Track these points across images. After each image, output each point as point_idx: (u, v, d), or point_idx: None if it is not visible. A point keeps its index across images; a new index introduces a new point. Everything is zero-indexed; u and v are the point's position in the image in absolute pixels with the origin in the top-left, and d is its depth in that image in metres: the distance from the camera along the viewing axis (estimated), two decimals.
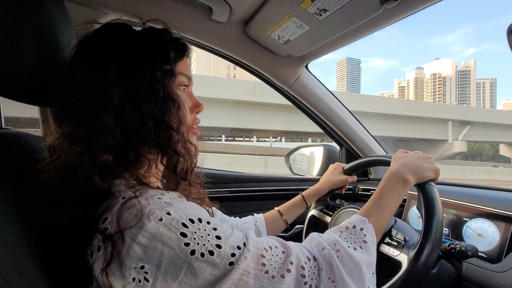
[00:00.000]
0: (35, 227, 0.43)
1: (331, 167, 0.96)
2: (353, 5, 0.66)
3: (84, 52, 0.48)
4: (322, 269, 0.45)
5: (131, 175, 0.46)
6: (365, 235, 0.52)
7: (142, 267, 0.38)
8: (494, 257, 0.77)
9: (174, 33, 0.53)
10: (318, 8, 0.70)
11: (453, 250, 0.68)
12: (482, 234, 0.82)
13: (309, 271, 0.44)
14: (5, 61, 0.47)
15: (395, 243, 0.67)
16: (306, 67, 1.10)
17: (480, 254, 0.78)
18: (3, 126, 0.56)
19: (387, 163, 0.75)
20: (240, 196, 1.22)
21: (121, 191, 0.43)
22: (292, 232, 1.24)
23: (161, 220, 0.39)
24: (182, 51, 0.52)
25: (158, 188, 0.47)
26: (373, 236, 0.54)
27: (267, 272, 0.42)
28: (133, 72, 0.45)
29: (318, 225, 0.93)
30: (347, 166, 0.93)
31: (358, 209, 0.81)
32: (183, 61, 0.52)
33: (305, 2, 0.69)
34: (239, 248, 0.42)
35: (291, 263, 0.43)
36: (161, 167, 0.52)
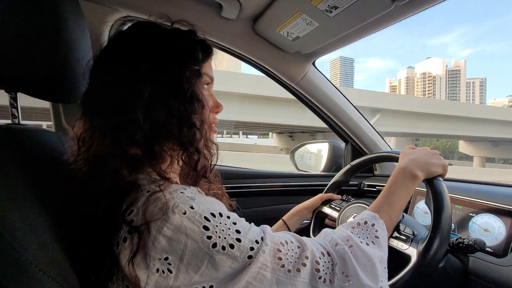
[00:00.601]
0: (61, 219, 0.44)
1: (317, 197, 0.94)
2: (364, 2, 0.66)
3: (116, 49, 0.50)
4: (336, 264, 0.46)
5: (153, 169, 0.47)
6: (376, 231, 0.53)
7: (166, 259, 0.39)
8: (500, 252, 0.78)
9: (200, 35, 0.54)
10: (329, 5, 0.71)
11: (461, 244, 0.69)
12: (489, 229, 0.83)
13: (323, 265, 0.45)
14: (23, 59, 0.49)
15: (404, 237, 0.68)
16: (314, 64, 1.10)
17: (486, 248, 0.79)
18: (20, 122, 0.57)
19: (395, 159, 0.75)
20: (243, 192, 1.23)
21: (144, 185, 0.44)
22: (298, 228, 1.25)
23: (185, 213, 0.40)
24: (208, 52, 0.53)
25: (178, 183, 0.49)
26: (384, 232, 0.55)
27: (283, 266, 0.43)
28: (163, 70, 0.47)
29: (325, 221, 0.94)
30: (325, 189, 0.95)
31: (366, 204, 0.82)
32: (208, 62, 0.54)
33: None
34: (257, 242, 0.43)
35: (306, 257, 0.45)
36: (181, 164, 0.53)
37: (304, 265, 0.44)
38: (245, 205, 1.23)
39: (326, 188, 0.96)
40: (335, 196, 0.93)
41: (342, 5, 0.69)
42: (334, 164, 1.39)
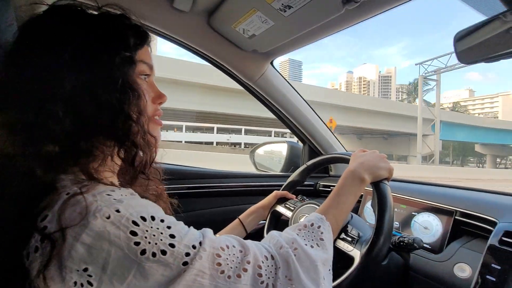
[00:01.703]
0: None
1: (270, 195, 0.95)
2: (316, 3, 0.66)
3: (31, 35, 0.44)
4: (279, 267, 0.45)
5: (81, 169, 0.42)
6: (322, 233, 0.53)
7: (86, 270, 0.35)
8: (437, 248, 0.83)
9: (134, 19, 0.50)
10: (282, 4, 0.70)
11: (401, 243, 0.72)
12: (428, 227, 0.89)
13: (266, 269, 0.44)
14: None
15: (350, 239, 0.69)
16: (272, 63, 1.09)
17: (425, 245, 0.85)
18: None
19: (346, 161, 0.78)
20: (201, 192, 1.19)
21: (65, 186, 0.39)
22: (254, 228, 1.24)
23: (109, 217, 0.36)
24: (142, 38, 0.49)
25: (111, 184, 0.44)
26: (329, 233, 0.55)
27: (223, 272, 0.40)
28: (89, 58, 0.42)
29: (280, 220, 0.94)
30: (282, 187, 0.97)
31: (318, 205, 0.83)
32: (144, 49, 0.50)
33: None
34: (194, 247, 0.40)
35: (248, 262, 0.43)
36: (118, 161, 0.49)
37: (246, 270, 0.42)
38: (202, 205, 1.20)
39: (282, 187, 0.96)
40: (289, 195, 0.94)
41: (295, 4, 0.69)
42: (292, 164, 1.41)
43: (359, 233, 0.70)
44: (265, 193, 1.07)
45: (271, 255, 0.46)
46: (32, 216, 0.37)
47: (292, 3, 0.68)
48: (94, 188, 0.39)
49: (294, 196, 0.94)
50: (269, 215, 0.93)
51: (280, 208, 0.91)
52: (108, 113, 0.42)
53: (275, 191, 0.94)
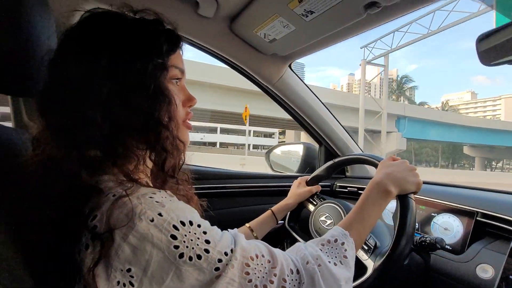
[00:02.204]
0: (19, 224, 0.41)
1: (295, 182, 1.00)
2: (338, 8, 0.68)
3: (72, 41, 0.46)
4: (303, 282, 0.46)
5: (120, 170, 0.44)
6: (345, 250, 0.53)
7: (129, 270, 0.37)
8: (458, 249, 0.83)
9: (167, 24, 0.51)
10: (305, 10, 0.72)
11: (423, 243, 0.73)
12: (448, 228, 0.89)
13: (290, 283, 0.45)
14: None
15: (366, 247, 0.70)
16: (290, 66, 1.12)
17: (446, 246, 0.85)
18: None
19: (374, 165, 0.77)
20: (220, 192, 1.22)
21: (111, 188, 0.41)
22: (273, 228, 1.26)
23: (152, 221, 0.38)
24: (175, 43, 0.50)
25: (147, 185, 0.46)
26: (353, 250, 0.54)
27: (250, 281, 0.42)
28: (123, 65, 0.44)
29: (302, 213, 0.98)
30: (309, 178, 0.98)
31: (338, 205, 0.85)
32: (176, 53, 0.51)
33: (293, 2, 0.71)
34: (226, 254, 0.41)
35: (275, 275, 0.44)
36: (150, 164, 0.51)
37: (272, 282, 0.43)
38: (220, 206, 1.23)
39: (308, 179, 0.98)
40: (319, 187, 0.98)
41: (317, 10, 0.71)
42: (308, 165, 1.42)
43: (376, 243, 0.70)
44: (282, 193, 1.09)
45: (297, 269, 0.47)
46: (82, 215, 0.39)
47: (315, 8, 0.70)
48: (137, 191, 0.41)
49: (320, 188, 0.97)
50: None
51: (304, 201, 0.96)
52: (140, 118, 0.44)
53: (309, 188, 0.96)
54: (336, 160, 0.93)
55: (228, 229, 0.85)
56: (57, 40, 0.62)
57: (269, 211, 0.92)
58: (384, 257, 0.64)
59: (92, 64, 0.43)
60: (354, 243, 0.55)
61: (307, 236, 0.92)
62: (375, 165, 0.75)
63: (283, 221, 1.07)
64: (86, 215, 0.39)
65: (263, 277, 0.43)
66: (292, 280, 0.45)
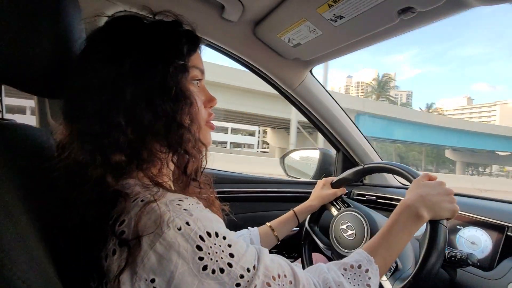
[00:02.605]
0: (48, 226, 0.40)
1: (320, 183, 0.97)
2: (371, 13, 0.66)
3: (95, 46, 0.46)
4: None
5: (144, 174, 0.44)
6: (369, 278, 0.50)
7: (153, 281, 0.36)
8: (486, 265, 0.80)
9: (186, 25, 0.51)
10: (334, 15, 0.70)
11: (453, 258, 0.70)
12: (475, 242, 0.85)
13: None
14: (12, 50, 0.45)
15: None
16: (311, 71, 1.10)
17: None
18: (4, 116, 0.53)
19: (408, 180, 0.72)
20: (236, 197, 1.21)
21: (138, 192, 0.41)
22: (287, 235, 1.24)
23: (180, 229, 0.37)
24: (195, 44, 0.50)
25: (171, 188, 0.46)
26: (377, 278, 0.52)
27: None
28: (145, 68, 0.44)
29: (323, 215, 0.96)
30: (335, 179, 0.95)
31: (361, 214, 0.82)
32: (196, 54, 0.51)
33: (323, 7, 0.69)
34: (248, 270, 0.40)
35: None
36: (172, 167, 0.50)
37: None
38: (236, 210, 1.21)
39: (334, 181, 0.95)
40: (344, 190, 0.94)
41: (348, 15, 0.69)
42: (324, 171, 1.40)
43: (397, 265, 0.67)
44: (298, 199, 1.08)
45: None
46: (108, 220, 0.38)
47: (345, 13, 0.69)
48: (164, 196, 0.40)
49: (345, 190, 0.94)
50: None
51: (327, 204, 0.93)
52: (163, 121, 0.44)
53: (334, 190, 0.93)
54: (367, 165, 0.89)
55: (249, 227, 0.85)
56: None
57: (291, 212, 0.91)
58: (403, 284, 0.60)
59: (115, 68, 0.43)
60: (379, 269, 0.52)
61: (326, 239, 0.89)
62: (410, 181, 0.70)
63: (298, 228, 1.05)
64: (114, 220, 0.38)
65: None
66: None
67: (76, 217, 0.39)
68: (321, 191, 0.94)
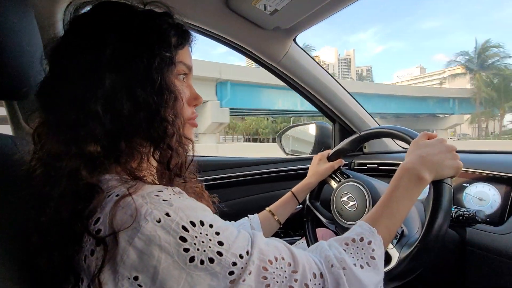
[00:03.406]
0: (15, 226, 0.39)
1: (315, 158, 0.93)
2: None
3: (76, 31, 0.44)
4: (328, 287, 0.42)
5: (123, 168, 0.42)
6: (373, 250, 0.47)
7: (136, 278, 0.34)
8: (496, 220, 0.77)
9: (177, 18, 0.49)
10: None
11: (461, 217, 0.67)
12: (483, 198, 0.81)
13: None
14: None
15: None
16: (295, 40, 1.03)
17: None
18: None
19: (407, 142, 0.67)
20: (234, 181, 1.18)
21: (113, 187, 0.39)
22: (291, 213, 1.22)
23: (159, 221, 0.35)
24: (184, 38, 0.48)
25: (153, 183, 0.43)
26: (381, 249, 0.49)
27: (268, 286, 0.39)
28: (129, 57, 0.42)
29: (324, 189, 0.93)
30: (331, 152, 0.91)
31: (362, 184, 0.78)
32: (185, 49, 0.49)
33: None
34: (241, 256, 0.38)
35: (296, 280, 0.40)
36: (154, 162, 0.48)
37: None
38: (233, 196, 1.19)
39: (330, 154, 0.91)
40: (342, 161, 0.90)
41: None
42: (322, 145, 1.36)
43: (403, 230, 0.63)
44: (298, 177, 1.04)
45: (320, 273, 0.43)
46: (83, 217, 0.37)
47: None
48: (141, 189, 0.38)
49: (343, 162, 0.90)
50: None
51: (326, 177, 0.90)
52: (145, 113, 0.42)
53: (331, 164, 0.89)
54: (362, 133, 0.84)
55: (249, 215, 0.82)
56: (40, 37, 0.59)
57: (289, 193, 0.88)
58: (411, 250, 0.57)
59: (96, 54, 0.41)
60: (383, 240, 0.50)
61: (328, 213, 0.87)
62: (408, 142, 0.66)
63: (301, 206, 1.02)
64: (88, 217, 0.36)
65: (283, 282, 0.40)
66: (315, 285, 0.42)
67: (49, 214, 0.38)
68: (317, 167, 0.90)
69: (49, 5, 0.74)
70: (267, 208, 0.86)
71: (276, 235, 0.88)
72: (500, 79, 30.92)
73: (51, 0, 0.74)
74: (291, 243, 0.63)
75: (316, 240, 0.91)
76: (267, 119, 34.21)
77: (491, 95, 30.89)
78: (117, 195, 0.37)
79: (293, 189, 0.89)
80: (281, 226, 0.86)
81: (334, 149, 0.91)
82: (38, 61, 0.46)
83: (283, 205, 0.86)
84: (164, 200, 0.37)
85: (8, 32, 0.48)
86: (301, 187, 0.89)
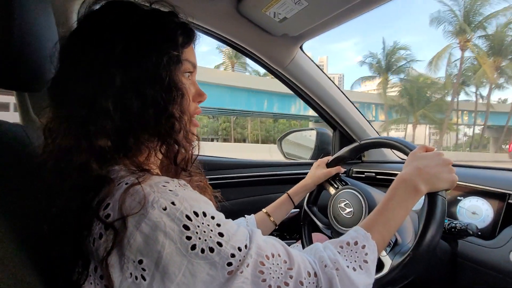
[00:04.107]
0: (24, 217, 0.40)
1: (315, 163, 0.95)
2: None
3: (87, 29, 0.45)
4: (321, 287, 0.44)
5: (131, 162, 0.43)
6: (366, 254, 0.49)
7: (140, 262, 0.36)
8: (488, 234, 0.79)
9: (182, 17, 0.50)
10: None
11: (453, 229, 0.69)
12: (476, 211, 0.83)
13: (307, 287, 0.43)
14: None
15: None
16: (301, 47, 1.06)
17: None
18: None
19: (405, 153, 0.69)
20: (232, 182, 1.20)
21: (123, 176, 0.40)
22: (287, 217, 1.24)
23: (165, 209, 0.37)
24: (189, 37, 0.49)
25: (159, 175, 0.44)
26: (374, 254, 0.51)
27: (264, 280, 0.40)
28: (138, 55, 0.43)
29: (321, 194, 0.94)
30: (330, 158, 0.93)
31: (360, 192, 0.80)
32: (190, 47, 0.50)
33: None
34: (239, 249, 0.40)
35: (291, 277, 0.42)
36: (160, 156, 0.50)
37: (287, 284, 0.41)
38: (233, 196, 1.21)
39: (329, 161, 0.93)
40: (340, 169, 0.91)
41: None
42: (322, 151, 1.38)
43: (397, 239, 0.65)
44: (295, 181, 1.06)
45: (315, 272, 0.45)
46: (93, 205, 0.38)
47: None
48: (150, 179, 0.40)
49: (342, 169, 0.92)
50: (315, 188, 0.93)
51: (325, 183, 0.91)
52: (153, 110, 0.43)
53: (328, 170, 0.90)
54: (362, 142, 0.86)
55: (245, 215, 0.84)
56: (57, 32, 0.61)
57: (285, 195, 0.90)
58: (403, 258, 0.58)
59: (107, 53, 0.42)
60: (376, 246, 0.51)
61: (325, 219, 0.88)
62: (406, 153, 0.68)
63: (298, 210, 1.04)
64: (97, 204, 0.38)
65: (278, 277, 0.41)
66: (309, 283, 0.43)
67: (60, 204, 0.39)
68: (315, 171, 0.92)
69: (66, 2, 0.77)
70: (263, 210, 0.87)
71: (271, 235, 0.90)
72: (408, 84, 27.60)
73: None
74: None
75: (311, 244, 0.93)
76: (209, 117, 32.67)
77: (398, 102, 27.89)
78: (126, 184, 0.39)
79: (289, 191, 0.90)
80: (277, 227, 0.87)
81: (334, 156, 0.92)
82: (53, 53, 0.47)
83: (279, 207, 0.87)
84: (170, 190, 0.39)
85: (28, 27, 0.49)
86: (297, 189, 0.90)
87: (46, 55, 0.56)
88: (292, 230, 1.26)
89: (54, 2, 0.72)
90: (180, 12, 0.50)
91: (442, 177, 0.58)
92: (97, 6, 0.48)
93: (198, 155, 0.52)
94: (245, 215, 0.85)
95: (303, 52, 1.07)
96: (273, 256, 0.42)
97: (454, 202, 0.88)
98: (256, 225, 0.82)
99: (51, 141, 0.43)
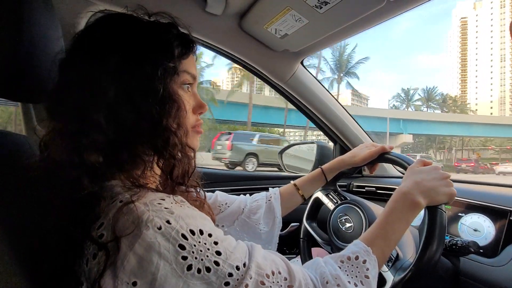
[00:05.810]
0: (19, 230, 0.39)
1: (362, 144, 0.87)
2: None
3: (82, 42, 0.45)
4: None
5: (126, 176, 0.42)
6: (367, 269, 0.48)
7: (134, 284, 0.35)
8: (490, 252, 0.77)
9: (181, 28, 0.50)
10: (319, 1, 0.68)
11: (454, 247, 0.68)
12: (478, 229, 0.82)
13: None
14: None
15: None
16: (302, 62, 1.08)
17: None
18: None
19: (403, 168, 0.70)
20: (235, 195, 1.19)
21: (118, 193, 0.39)
22: (287, 230, 1.23)
23: (160, 228, 0.36)
24: (188, 48, 0.49)
25: (157, 190, 0.44)
26: (375, 269, 0.50)
27: None
28: (132, 67, 0.42)
29: (320, 209, 0.92)
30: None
31: (359, 207, 0.80)
32: (189, 58, 0.50)
33: None
34: (238, 268, 0.39)
35: None
36: (158, 170, 0.49)
37: None
38: None
39: (328, 180, 0.89)
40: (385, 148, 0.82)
41: (332, 0, 0.67)
42: (322, 165, 1.37)
43: (398, 254, 0.64)
44: None
45: None
46: (85, 223, 0.37)
47: None
48: (144, 196, 0.39)
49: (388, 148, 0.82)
50: (311, 201, 0.90)
51: (323, 198, 0.89)
52: (148, 123, 0.42)
53: (370, 142, 0.86)
54: None
55: (270, 188, 0.81)
56: (63, 43, 0.62)
57: (318, 169, 0.84)
58: (405, 274, 0.58)
59: (101, 65, 0.41)
60: (377, 260, 0.50)
61: (325, 234, 0.87)
62: (405, 168, 0.68)
63: (298, 224, 1.03)
64: (91, 223, 0.37)
65: None
66: None
67: (51, 221, 0.38)
68: (359, 150, 0.84)
69: (72, 13, 0.79)
70: (292, 182, 0.82)
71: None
72: None
73: (75, 10, 0.79)
74: None
75: (311, 259, 0.91)
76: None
77: None
78: (121, 201, 0.37)
79: (323, 166, 0.84)
80: (305, 201, 0.82)
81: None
82: (52, 66, 0.47)
83: (310, 181, 0.83)
84: (165, 208, 0.38)
85: (36, 39, 0.50)
86: (333, 164, 0.84)
87: (51, 68, 0.58)
88: (292, 245, 1.24)
89: (62, 15, 0.75)
90: (181, 25, 0.50)
91: (440, 190, 0.58)
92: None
93: (195, 167, 0.51)
94: (269, 188, 0.81)
95: (304, 67, 1.09)
96: (273, 274, 0.41)
97: (455, 218, 0.87)
98: (279, 200, 0.78)
99: (46, 155, 0.42)
